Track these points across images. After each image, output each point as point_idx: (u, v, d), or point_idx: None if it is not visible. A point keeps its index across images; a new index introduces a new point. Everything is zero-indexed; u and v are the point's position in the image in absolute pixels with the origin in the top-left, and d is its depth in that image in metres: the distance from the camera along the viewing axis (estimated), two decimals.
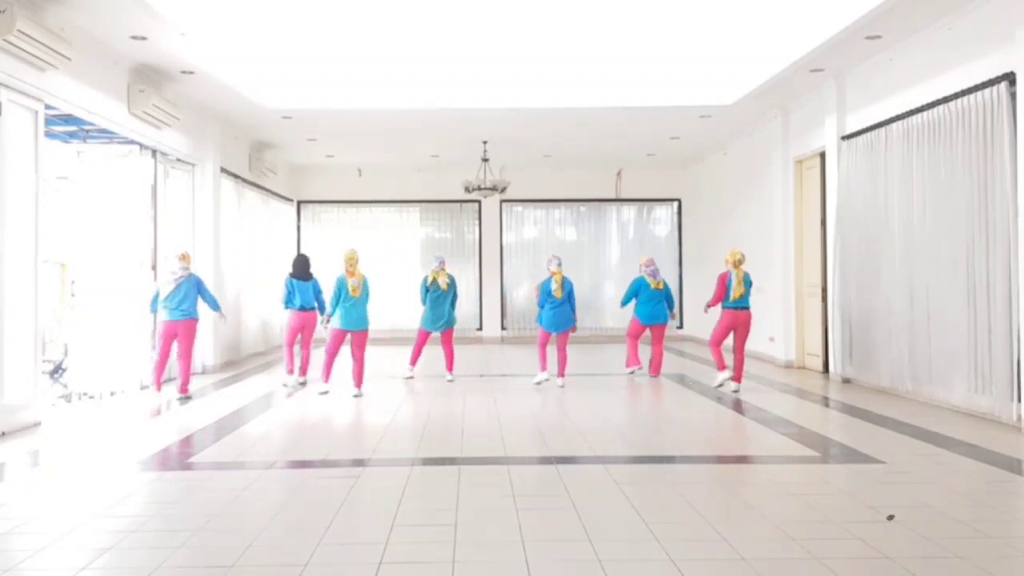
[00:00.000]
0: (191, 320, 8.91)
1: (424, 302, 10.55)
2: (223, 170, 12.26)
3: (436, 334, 10.52)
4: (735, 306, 9.22)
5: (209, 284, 11.25)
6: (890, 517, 4.36)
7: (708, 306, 9.66)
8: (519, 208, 17.64)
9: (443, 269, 10.60)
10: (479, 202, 17.17)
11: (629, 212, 17.79)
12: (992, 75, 7.15)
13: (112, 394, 9.33)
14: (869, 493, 4.98)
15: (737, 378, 9.34)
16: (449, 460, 5.96)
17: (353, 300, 8.96)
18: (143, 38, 8.41)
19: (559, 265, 9.87)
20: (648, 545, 3.98)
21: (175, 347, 8.97)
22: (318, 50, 9.18)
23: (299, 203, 17.38)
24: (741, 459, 6.14)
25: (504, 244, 17.54)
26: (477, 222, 17.52)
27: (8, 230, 7.02)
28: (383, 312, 14.77)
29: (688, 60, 9.68)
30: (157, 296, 8.91)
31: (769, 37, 8.83)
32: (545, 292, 9.81)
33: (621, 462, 5.88)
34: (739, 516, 4.53)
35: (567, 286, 9.79)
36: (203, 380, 10.64)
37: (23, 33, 6.77)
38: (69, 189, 9.85)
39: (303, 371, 10.17)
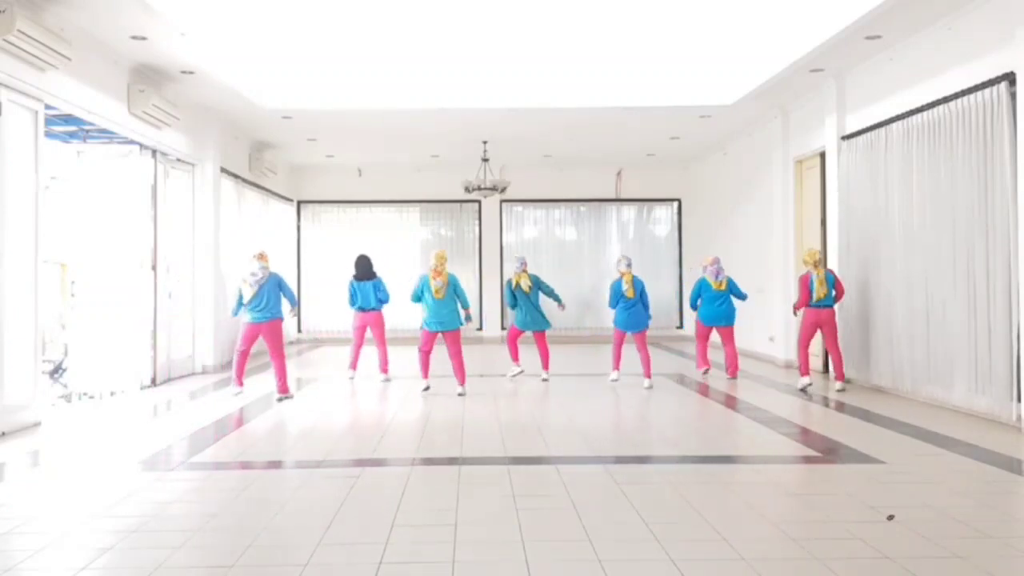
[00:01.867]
0: (276, 320, 8.85)
1: (511, 305, 10.55)
2: (223, 170, 12.25)
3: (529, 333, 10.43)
4: (818, 305, 9.14)
5: (209, 284, 11.29)
6: (890, 517, 4.36)
7: (795, 308, 9.52)
8: (519, 208, 17.64)
9: (524, 271, 10.48)
10: (479, 202, 17.16)
11: (629, 212, 17.78)
12: (992, 75, 7.14)
13: (112, 394, 9.33)
14: (869, 493, 4.98)
15: (839, 376, 9.26)
16: (449, 460, 5.96)
17: (437, 301, 8.96)
18: (143, 38, 8.41)
19: (628, 265, 9.81)
20: (648, 545, 3.98)
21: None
22: (318, 50, 9.18)
23: (299, 203, 17.37)
24: (741, 459, 6.14)
25: (504, 244, 17.53)
26: (477, 222, 17.52)
27: (8, 230, 7.02)
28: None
29: (688, 60, 9.68)
30: (240, 299, 8.84)
31: (769, 37, 8.83)
32: (616, 293, 9.79)
33: (621, 462, 5.88)
34: (739, 516, 4.53)
35: (638, 285, 9.75)
36: (203, 380, 10.65)
37: (23, 33, 6.76)
38: (69, 189, 9.84)
39: (383, 368, 10.48)
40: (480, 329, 17.16)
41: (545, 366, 10.39)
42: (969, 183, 7.53)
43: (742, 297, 10.64)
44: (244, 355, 9.00)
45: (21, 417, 7.18)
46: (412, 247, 17.54)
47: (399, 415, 7.96)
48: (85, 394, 9.21)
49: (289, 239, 16.84)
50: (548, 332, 10.41)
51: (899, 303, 8.72)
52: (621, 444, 6.60)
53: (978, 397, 7.44)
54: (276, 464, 5.88)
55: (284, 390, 8.85)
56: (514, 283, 10.45)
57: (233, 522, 4.46)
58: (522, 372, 10.50)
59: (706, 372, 10.74)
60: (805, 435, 6.82)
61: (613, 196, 17.48)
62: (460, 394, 9.04)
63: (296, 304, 9.51)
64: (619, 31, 8.61)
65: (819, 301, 9.15)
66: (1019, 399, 6.86)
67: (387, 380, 10.40)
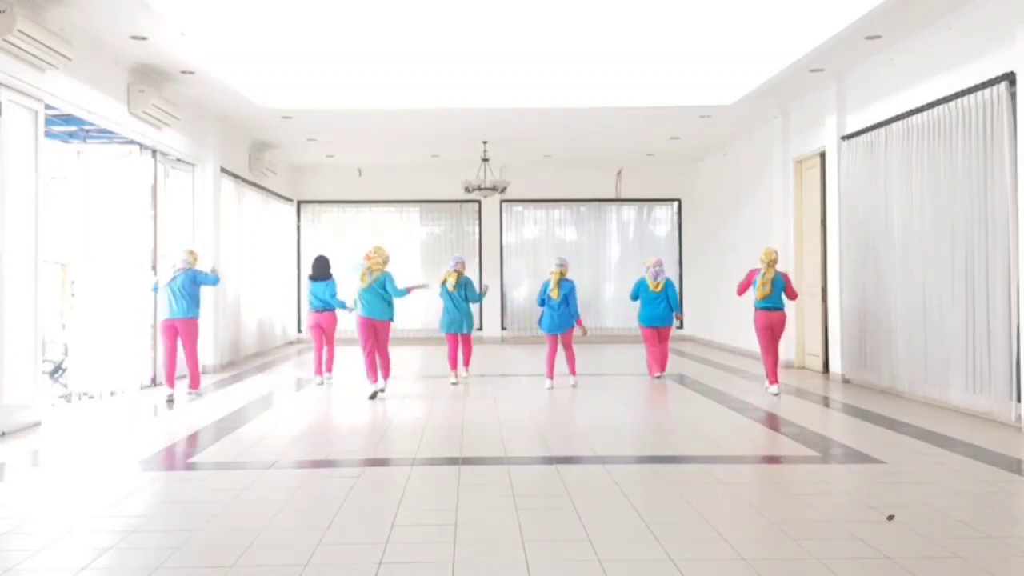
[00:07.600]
0: (191, 320, 9.05)
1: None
2: (223, 170, 12.25)
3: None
4: (764, 306, 8.95)
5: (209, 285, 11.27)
6: (890, 517, 4.36)
7: (738, 293, 9.42)
8: (519, 208, 17.64)
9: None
10: (479, 202, 17.16)
11: (629, 212, 17.79)
12: (992, 75, 7.14)
13: (112, 394, 9.33)
14: (869, 493, 4.98)
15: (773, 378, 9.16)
16: (449, 460, 5.96)
17: (362, 289, 8.92)
18: (143, 38, 8.41)
19: (560, 266, 9.74)
20: (648, 545, 3.98)
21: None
22: (318, 50, 9.18)
23: (299, 203, 17.38)
24: (741, 459, 6.13)
25: (504, 244, 17.53)
26: (477, 222, 17.52)
27: (8, 230, 7.02)
28: None
29: (688, 60, 9.68)
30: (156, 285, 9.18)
31: (769, 37, 8.83)
32: (543, 293, 9.78)
33: (621, 462, 5.87)
34: (739, 516, 4.53)
35: (565, 287, 9.66)
36: (203, 380, 10.62)
37: (23, 33, 6.76)
38: (69, 189, 9.83)
39: (328, 368, 10.37)
40: (480, 329, 17.15)
41: (466, 362, 10.52)
42: (969, 183, 7.53)
43: (675, 306, 10.25)
44: (171, 354, 9.05)
45: (21, 417, 7.18)
46: (412, 247, 17.54)
47: (399, 415, 7.96)
48: (85, 394, 9.20)
49: (289, 239, 16.84)
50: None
51: (898, 303, 8.72)
52: (621, 443, 6.59)
53: (977, 397, 7.44)
54: (276, 464, 5.88)
55: (195, 386, 9.25)
56: (443, 281, 10.38)
57: (233, 522, 4.46)
58: (457, 384, 10.05)
59: (659, 377, 10.35)
60: (805, 435, 6.82)
61: (613, 196, 17.48)
62: (379, 390, 8.86)
63: (216, 283, 9.64)
64: (619, 31, 8.61)
65: (763, 301, 8.89)
66: (1018, 399, 6.86)
67: (321, 382, 10.18)
